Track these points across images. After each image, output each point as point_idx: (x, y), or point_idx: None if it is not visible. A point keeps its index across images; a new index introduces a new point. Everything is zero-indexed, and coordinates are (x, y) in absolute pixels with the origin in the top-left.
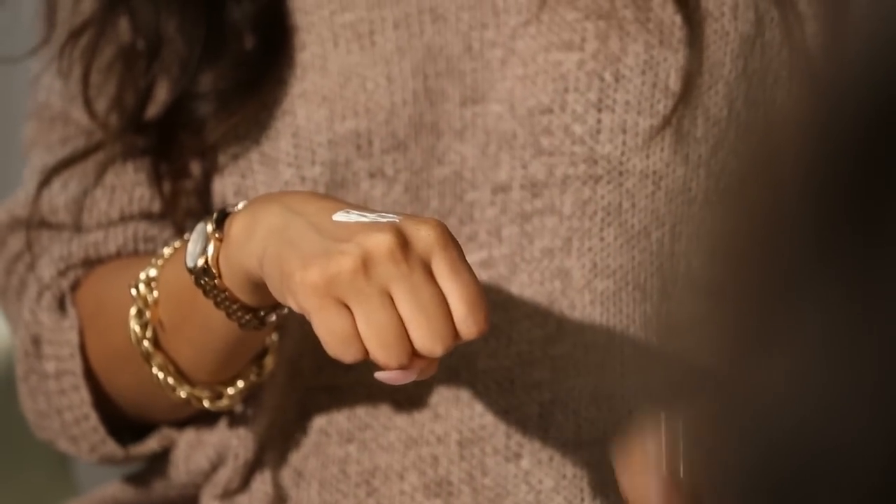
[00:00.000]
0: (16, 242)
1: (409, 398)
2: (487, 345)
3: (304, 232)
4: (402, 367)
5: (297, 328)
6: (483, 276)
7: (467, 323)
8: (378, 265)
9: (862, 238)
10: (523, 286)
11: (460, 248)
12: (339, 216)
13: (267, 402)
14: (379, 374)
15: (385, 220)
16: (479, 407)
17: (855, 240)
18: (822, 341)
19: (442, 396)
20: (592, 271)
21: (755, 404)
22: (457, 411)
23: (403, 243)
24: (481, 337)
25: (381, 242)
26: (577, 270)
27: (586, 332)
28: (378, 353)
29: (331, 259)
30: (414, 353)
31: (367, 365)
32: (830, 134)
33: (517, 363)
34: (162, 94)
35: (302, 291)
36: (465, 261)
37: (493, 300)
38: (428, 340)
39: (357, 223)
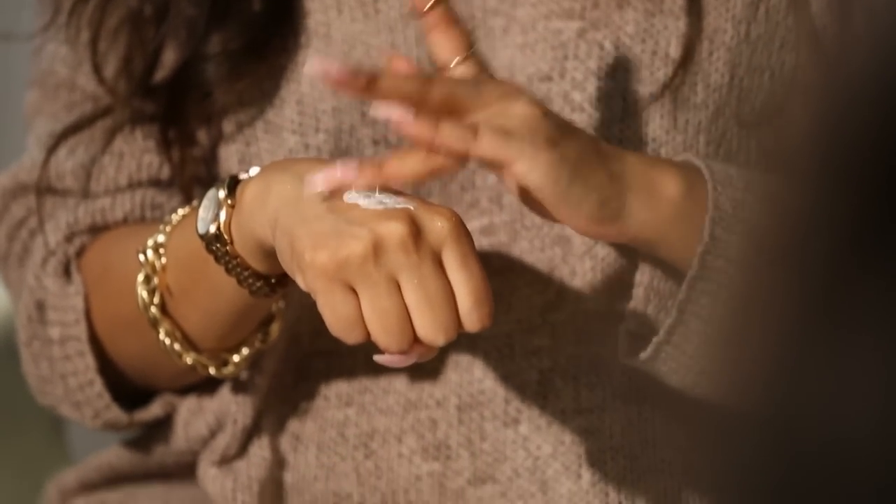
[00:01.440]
0: (19, 209)
1: None
2: None
3: (317, 208)
4: (402, 353)
5: (296, 294)
6: (484, 243)
7: (472, 317)
8: (388, 253)
9: None
10: (524, 253)
11: (472, 241)
12: (351, 197)
13: (267, 368)
14: (378, 358)
15: (400, 206)
16: (478, 372)
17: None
18: (861, 349)
19: (441, 361)
20: (593, 238)
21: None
22: (456, 376)
23: (416, 232)
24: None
25: (394, 230)
26: (578, 237)
27: (586, 299)
28: (380, 338)
29: (342, 242)
30: (415, 340)
31: None
32: (852, 120)
33: (517, 329)
34: (170, 58)
35: (311, 272)
36: (476, 255)
37: (493, 267)
38: (431, 330)
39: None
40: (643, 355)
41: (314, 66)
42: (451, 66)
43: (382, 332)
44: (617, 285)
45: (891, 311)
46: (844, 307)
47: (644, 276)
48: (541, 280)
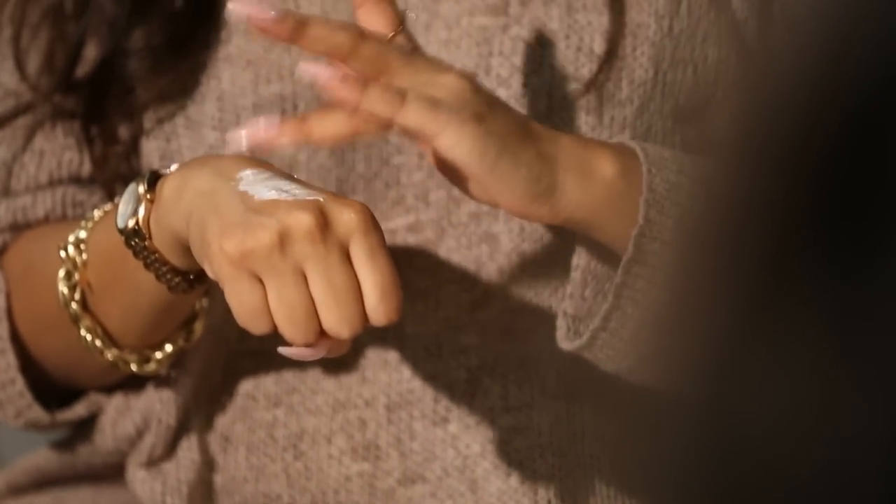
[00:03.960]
0: None
1: (336, 362)
2: (415, 309)
3: (230, 200)
4: (308, 345)
5: (222, 292)
6: (410, 240)
7: (378, 310)
8: (295, 243)
9: (846, 234)
10: (451, 251)
11: (382, 234)
12: (262, 192)
13: (191, 367)
14: (283, 349)
15: (311, 197)
16: (406, 371)
17: (838, 235)
18: (799, 352)
19: (370, 360)
20: (520, 235)
21: (728, 424)
22: (385, 375)
23: (323, 224)
24: (407, 302)
25: (301, 221)
26: (505, 235)
27: (514, 297)
28: (285, 329)
29: (249, 232)
30: (322, 333)
31: None
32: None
33: (445, 328)
34: (92, 53)
35: (217, 261)
36: (385, 248)
37: (420, 265)
38: (336, 323)
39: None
40: (579, 342)
41: (237, 9)
42: None
43: (288, 323)
44: (544, 281)
45: (822, 302)
46: (777, 295)
47: (581, 258)
48: (468, 278)
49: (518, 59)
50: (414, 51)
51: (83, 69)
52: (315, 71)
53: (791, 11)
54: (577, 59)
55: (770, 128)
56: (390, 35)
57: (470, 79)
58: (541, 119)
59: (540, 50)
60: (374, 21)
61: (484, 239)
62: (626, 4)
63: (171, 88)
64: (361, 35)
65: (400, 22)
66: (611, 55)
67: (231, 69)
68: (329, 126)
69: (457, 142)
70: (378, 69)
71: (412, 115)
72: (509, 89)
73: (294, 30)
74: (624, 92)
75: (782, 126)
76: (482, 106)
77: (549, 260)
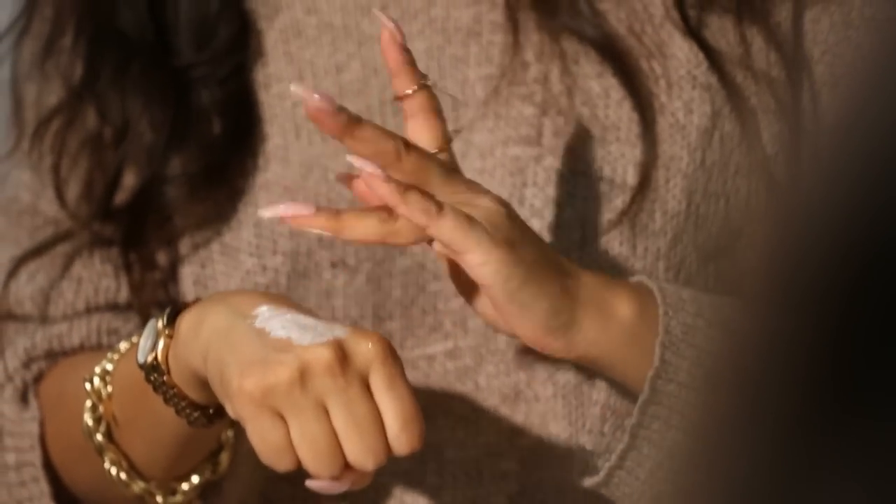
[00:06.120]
0: None
1: (375, 486)
2: (455, 435)
3: (247, 337)
4: (333, 479)
5: None
6: (449, 366)
7: (400, 440)
8: (315, 378)
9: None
10: (490, 377)
11: (401, 364)
12: (266, 322)
13: (229, 493)
14: (310, 483)
15: (322, 338)
16: (446, 497)
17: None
18: None
19: (409, 485)
20: (554, 364)
21: None
22: (424, 500)
23: (342, 357)
24: (447, 428)
25: (320, 356)
26: (540, 363)
27: (550, 424)
28: (310, 464)
29: (268, 369)
30: (346, 466)
31: None
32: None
33: (485, 454)
34: (130, 181)
35: (238, 399)
36: (404, 377)
37: (460, 390)
38: (360, 455)
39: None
40: (595, 480)
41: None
42: None
43: (312, 458)
44: (578, 410)
45: (850, 444)
46: (802, 439)
47: (601, 394)
48: (507, 404)
49: (552, 190)
50: (455, 170)
51: (121, 197)
52: (362, 164)
53: (821, 149)
54: (610, 191)
55: (796, 264)
56: (435, 151)
57: (506, 205)
58: (574, 250)
59: (573, 181)
60: (423, 135)
61: (521, 366)
62: (658, 136)
63: (208, 215)
64: (407, 146)
65: (447, 141)
66: (644, 187)
67: (268, 196)
68: (361, 226)
69: (484, 261)
70: (418, 182)
71: (447, 227)
72: (543, 220)
73: (346, 126)
74: (657, 223)
75: (808, 264)
76: (515, 233)
77: (583, 388)
